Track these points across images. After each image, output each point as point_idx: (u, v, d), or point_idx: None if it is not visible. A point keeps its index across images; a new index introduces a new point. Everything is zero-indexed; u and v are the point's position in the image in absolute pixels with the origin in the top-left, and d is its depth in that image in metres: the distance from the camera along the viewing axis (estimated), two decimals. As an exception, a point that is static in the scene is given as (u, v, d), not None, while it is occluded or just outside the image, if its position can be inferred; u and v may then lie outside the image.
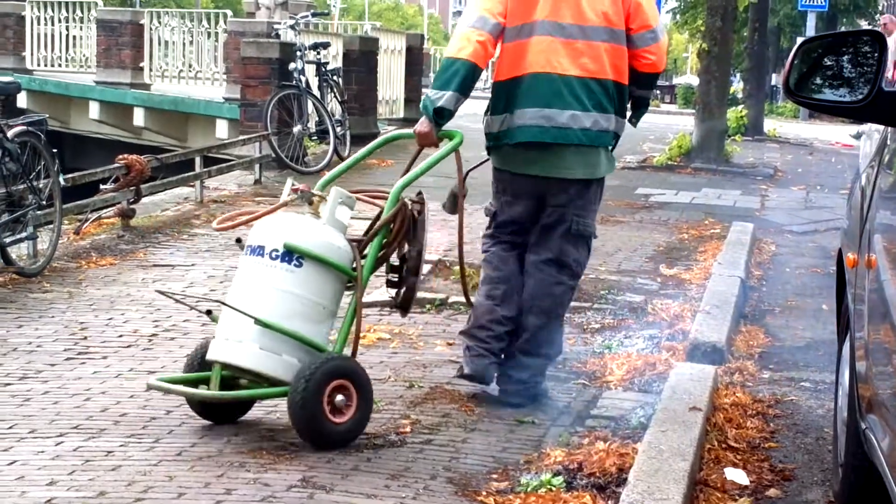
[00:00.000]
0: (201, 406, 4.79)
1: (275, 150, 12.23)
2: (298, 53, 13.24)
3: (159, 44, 20.54)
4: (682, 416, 4.77)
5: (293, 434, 4.66)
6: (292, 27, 14.14)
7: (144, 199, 9.58)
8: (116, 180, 9.12)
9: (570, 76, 5.09)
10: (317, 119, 13.33)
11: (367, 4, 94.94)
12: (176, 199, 10.56)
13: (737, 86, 24.49)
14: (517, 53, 5.14)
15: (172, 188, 10.57)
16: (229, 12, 21.48)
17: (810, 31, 28.62)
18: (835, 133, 20.25)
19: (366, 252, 4.83)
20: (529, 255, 5.35)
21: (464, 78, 5.00)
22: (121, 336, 6.29)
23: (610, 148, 5.31)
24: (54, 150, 7.98)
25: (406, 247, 4.92)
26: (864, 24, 42.08)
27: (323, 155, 13.11)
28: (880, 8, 42.90)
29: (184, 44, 20.48)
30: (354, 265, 4.74)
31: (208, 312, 4.90)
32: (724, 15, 15.30)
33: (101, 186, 9.18)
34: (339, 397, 4.52)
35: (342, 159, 13.33)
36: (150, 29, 20.36)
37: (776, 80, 33.79)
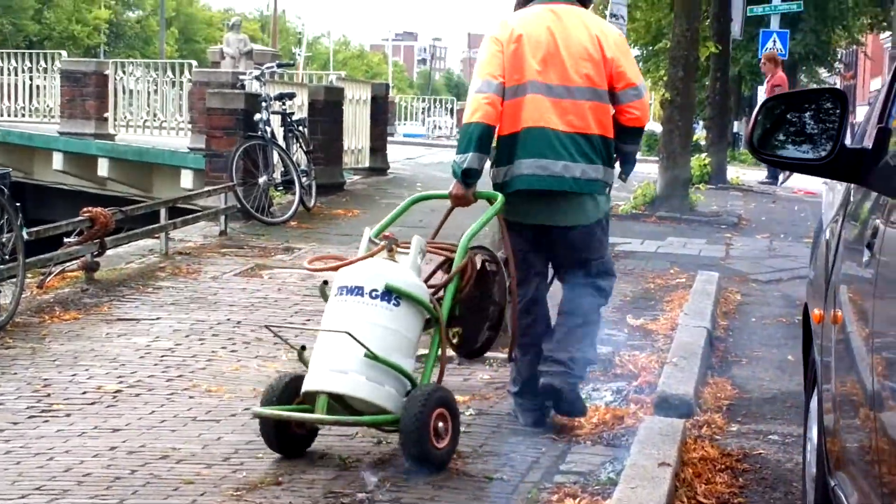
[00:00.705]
0: (278, 440, 5.12)
1: (240, 201, 12.21)
2: (264, 104, 13.25)
3: (124, 94, 20.52)
4: (651, 471, 4.75)
5: (260, 494, 4.61)
6: (258, 78, 14.16)
7: (109, 252, 9.53)
8: (80, 233, 9.07)
9: (559, 131, 5.58)
10: (282, 169, 13.32)
11: (331, 53, 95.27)
12: (141, 252, 10.50)
13: (699, 134, 24.65)
14: (514, 110, 5.60)
15: (137, 240, 10.51)
16: (194, 62, 21.50)
17: (771, 79, 28.89)
18: (797, 181, 20.39)
19: (440, 294, 5.35)
20: (563, 284, 5.88)
21: (479, 138, 5.51)
22: (84, 392, 6.22)
23: (602, 193, 5.74)
24: (17, 204, 7.93)
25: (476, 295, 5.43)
26: (823, 73, 42.56)
27: (289, 205, 13.10)
28: (839, 57, 43.45)
29: (148, 93, 20.47)
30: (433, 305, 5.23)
31: (302, 348, 5.30)
32: (685, 65, 15.41)
33: (65, 240, 9.12)
34: (440, 424, 4.96)
35: (308, 210, 13.35)
36: (115, 79, 20.34)
37: (738, 127, 34.07)
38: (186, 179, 17.39)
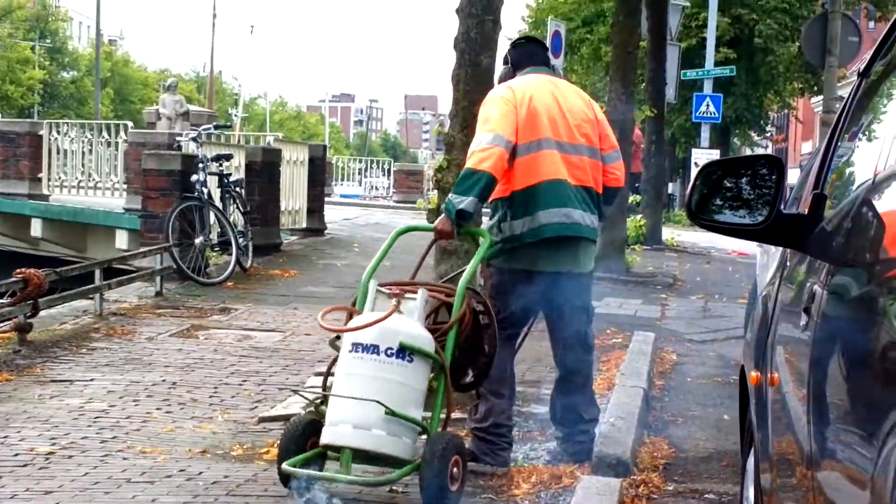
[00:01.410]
0: (281, 476, 5.40)
1: (176, 262, 12.15)
2: (200, 165, 13.21)
3: (58, 154, 20.39)
4: (589, 531, 4.76)
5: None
6: (194, 139, 14.13)
7: (42, 313, 9.42)
8: (13, 294, 8.97)
9: (570, 183, 6.06)
10: (219, 230, 13.27)
11: (268, 114, 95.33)
12: (75, 313, 10.39)
13: (634, 196, 24.93)
14: (531, 165, 6.01)
15: (71, 301, 10.39)
16: (130, 123, 21.45)
17: (704, 142, 29.28)
18: (730, 242, 20.64)
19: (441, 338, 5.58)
20: (556, 339, 6.38)
21: (484, 187, 5.87)
22: (16, 454, 6.13)
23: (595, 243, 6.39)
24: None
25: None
26: (754, 136, 43.25)
27: (225, 266, 13.04)
28: (771, 120, 44.20)
29: (83, 154, 20.35)
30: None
31: (324, 400, 5.54)
32: (622, 129, 15.61)
33: (-2, 300, 9.01)
34: (455, 469, 5.31)
35: (245, 270, 13.30)
36: (49, 139, 20.23)
37: (672, 189, 34.47)
38: (121, 240, 17.27)
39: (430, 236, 6.19)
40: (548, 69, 6.44)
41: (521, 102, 6.03)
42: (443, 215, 5.96)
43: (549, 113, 6.08)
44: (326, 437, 5.38)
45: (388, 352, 5.34)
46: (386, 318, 5.37)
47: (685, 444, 7.03)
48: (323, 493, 5.30)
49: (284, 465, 5.35)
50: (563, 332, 6.32)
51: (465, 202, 5.83)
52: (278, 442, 5.66)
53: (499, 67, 7.01)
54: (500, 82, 6.46)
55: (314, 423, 5.52)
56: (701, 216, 3.14)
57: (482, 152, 5.88)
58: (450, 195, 5.98)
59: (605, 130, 6.28)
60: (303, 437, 5.48)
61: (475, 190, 5.84)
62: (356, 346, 5.39)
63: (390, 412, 5.22)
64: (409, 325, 5.45)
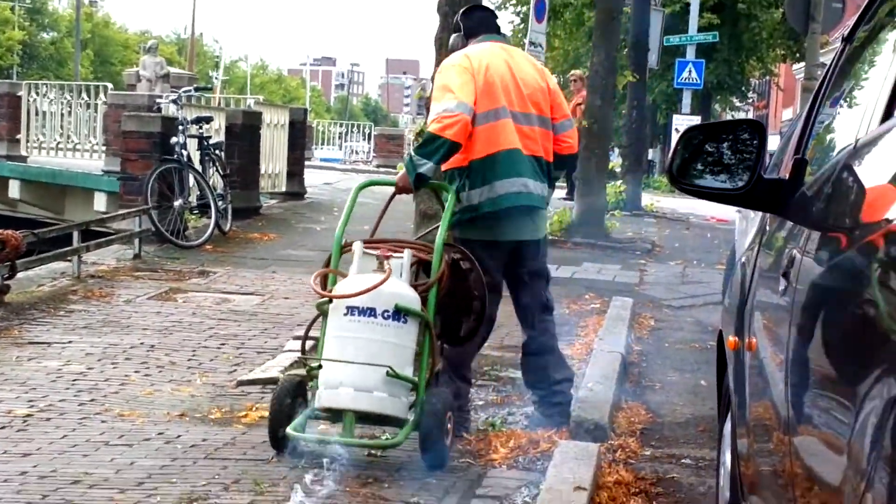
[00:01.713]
0: (274, 439, 5.54)
1: (155, 225, 12.10)
2: (180, 127, 13.14)
3: (37, 115, 20.25)
4: (566, 495, 4.77)
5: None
6: (174, 101, 14.05)
7: (20, 275, 9.37)
8: (-9, 255, 8.92)
9: (524, 153, 6.10)
10: (198, 193, 13.22)
11: (249, 77, 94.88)
12: (52, 275, 10.35)
13: (615, 161, 24.92)
14: (489, 134, 6.01)
15: (49, 263, 10.35)
16: (110, 85, 21.28)
17: (686, 108, 29.30)
18: (709, 208, 20.69)
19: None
20: (520, 305, 6.38)
21: (445, 154, 5.89)
22: (-6, 417, 6.12)
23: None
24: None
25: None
26: (736, 102, 43.26)
27: (204, 229, 13.00)
28: (752, 87, 44.19)
29: (62, 115, 20.22)
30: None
31: (319, 367, 5.55)
32: (603, 93, 15.60)
33: (-25, 262, 8.96)
34: (448, 424, 5.55)
35: (224, 234, 13.26)
36: (28, 101, 20.08)
37: (653, 155, 34.49)
38: (100, 202, 17.19)
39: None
40: (500, 37, 6.44)
41: (478, 71, 6.02)
42: (403, 171, 5.99)
43: (504, 82, 6.09)
44: (326, 401, 5.47)
45: (385, 314, 5.46)
46: (384, 282, 5.45)
47: (662, 409, 7.05)
48: (326, 458, 5.33)
49: (290, 431, 5.43)
50: (526, 297, 6.35)
51: (426, 167, 5.85)
52: (269, 406, 5.65)
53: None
54: (451, 51, 6.40)
55: (302, 386, 5.66)
56: (682, 181, 3.13)
57: (448, 118, 5.87)
58: (412, 153, 5.99)
59: (558, 99, 6.30)
60: (294, 401, 5.58)
61: (437, 156, 5.87)
62: (352, 310, 5.47)
63: (393, 374, 5.38)
64: (402, 286, 5.56)
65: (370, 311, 5.47)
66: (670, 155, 3.16)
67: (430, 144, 5.88)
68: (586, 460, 5.31)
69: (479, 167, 6.02)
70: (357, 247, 5.73)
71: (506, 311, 9.64)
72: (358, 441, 5.46)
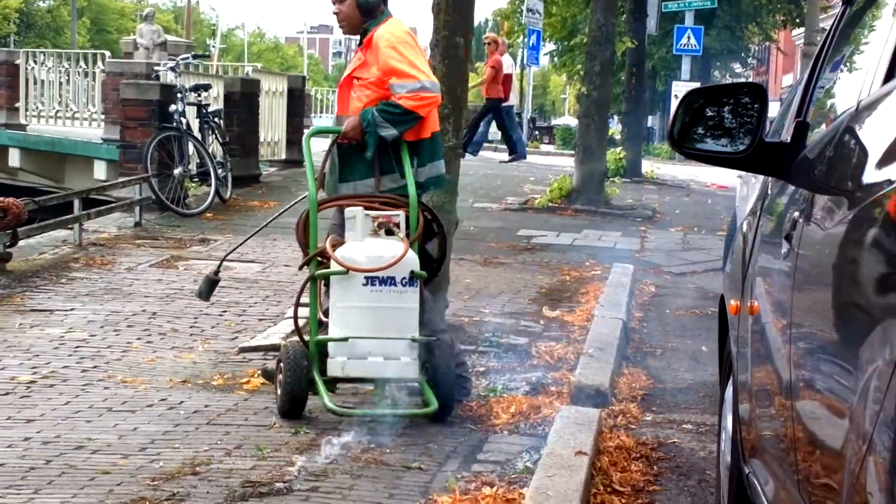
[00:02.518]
0: (294, 406, 5.58)
1: (155, 193, 12.09)
2: (179, 95, 13.11)
3: (35, 84, 20.19)
4: (567, 460, 4.79)
5: (177, 483, 4.60)
6: (173, 69, 14.01)
7: (21, 243, 9.38)
8: (-8, 223, 8.92)
9: None
10: (198, 161, 13.20)
11: (246, 45, 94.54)
12: (54, 243, 10.36)
13: (614, 128, 24.89)
14: (433, 114, 6.15)
15: (50, 231, 10.35)
16: (107, 53, 21.22)
17: (685, 74, 29.22)
18: (710, 174, 20.67)
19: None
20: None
21: (409, 127, 5.95)
22: (-3, 384, 6.14)
23: None
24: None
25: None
26: (736, 68, 43.14)
27: (204, 197, 12.99)
28: (752, 52, 44.03)
29: (60, 84, 20.16)
30: None
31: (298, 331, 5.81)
32: (602, 60, 15.54)
33: (-24, 230, 8.97)
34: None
35: (224, 201, 13.25)
36: (26, 69, 20.02)
37: (652, 122, 34.41)
38: (100, 170, 17.16)
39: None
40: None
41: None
42: (356, 120, 5.94)
43: None
44: (353, 371, 5.60)
45: (403, 281, 5.61)
46: (405, 253, 5.60)
47: (664, 375, 7.08)
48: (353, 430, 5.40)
49: (332, 405, 5.46)
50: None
51: (390, 133, 5.90)
52: (283, 373, 5.60)
53: (487, 3, 7.02)
54: (371, 6, 6.19)
55: (304, 356, 5.67)
56: (683, 144, 3.13)
57: (428, 97, 5.94)
58: (377, 113, 5.91)
59: None
60: (307, 369, 5.62)
61: (403, 127, 5.94)
62: (372, 280, 5.58)
63: (416, 340, 5.61)
64: (411, 253, 5.69)
65: (391, 281, 5.60)
66: (671, 119, 3.16)
67: (402, 116, 5.92)
68: (587, 425, 5.33)
69: (428, 146, 6.11)
70: (359, 212, 5.73)
71: (506, 278, 9.70)
72: (405, 412, 5.53)
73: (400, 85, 5.96)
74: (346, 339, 5.58)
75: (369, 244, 5.65)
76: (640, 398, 6.47)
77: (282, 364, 5.64)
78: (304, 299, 5.92)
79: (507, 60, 21.19)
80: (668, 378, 7.01)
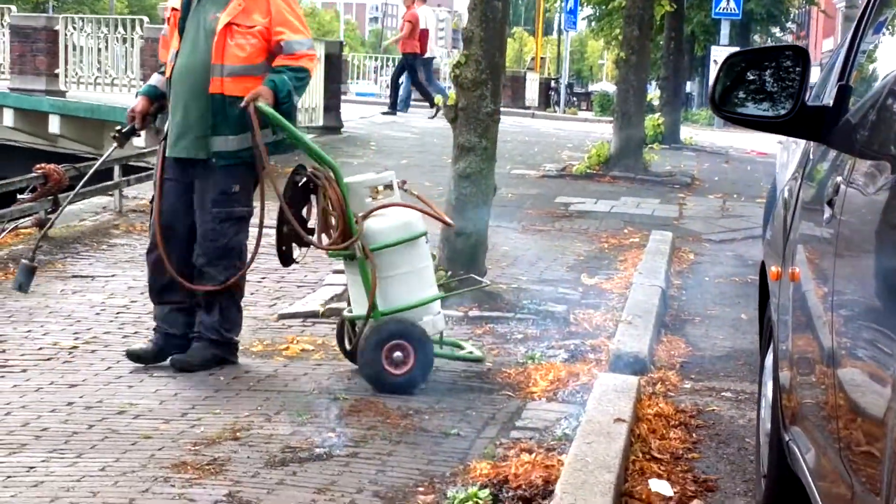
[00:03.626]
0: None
1: (192, 157, 12.10)
2: (217, 62, 13.11)
3: (74, 50, 20.26)
4: (606, 427, 4.79)
5: (217, 448, 4.64)
6: (211, 35, 14.01)
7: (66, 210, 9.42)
8: (34, 190, 8.98)
9: None
10: (236, 127, 13.19)
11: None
12: (94, 209, 10.42)
13: (652, 94, 24.71)
14: None
15: (91, 197, 10.41)
16: (146, 18, 21.25)
17: (724, 39, 28.97)
18: (749, 141, 20.53)
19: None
20: None
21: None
22: (40, 349, 6.19)
23: None
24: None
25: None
26: (776, 32, 42.73)
27: (242, 163, 13.00)
28: (792, 16, 43.61)
29: (98, 50, 20.21)
30: None
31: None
32: (640, 24, 15.42)
33: (19, 196, 9.03)
34: None
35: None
36: (66, 35, 20.08)
37: (690, 87, 34.15)
38: (139, 137, 17.20)
39: None
40: None
41: None
42: (267, 91, 5.67)
43: None
44: (440, 326, 5.88)
45: (424, 239, 5.83)
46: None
47: (702, 342, 7.05)
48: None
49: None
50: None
51: (293, 100, 5.80)
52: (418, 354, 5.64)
53: None
54: None
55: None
56: (724, 108, 3.11)
57: (314, 56, 5.96)
58: (288, 79, 5.71)
59: None
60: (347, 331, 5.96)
61: (301, 92, 5.93)
62: (425, 238, 5.82)
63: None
64: None
65: (426, 237, 5.85)
66: (712, 82, 3.14)
67: (305, 79, 5.85)
68: (626, 393, 5.33)
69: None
70: (357, 184, 5.78)
71: (543, 245, 9.68)
72: (482, 354, 6.08)
73: (298, 42, 5.79)
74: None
75: (404, 207, 5.77)
76: (679, 366, 6.45)
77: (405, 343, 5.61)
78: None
79: (423, 13, 21.01)
80: (707, 346, 6.99)
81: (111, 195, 10.55)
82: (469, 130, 7.66)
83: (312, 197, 5.87)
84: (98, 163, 7.03)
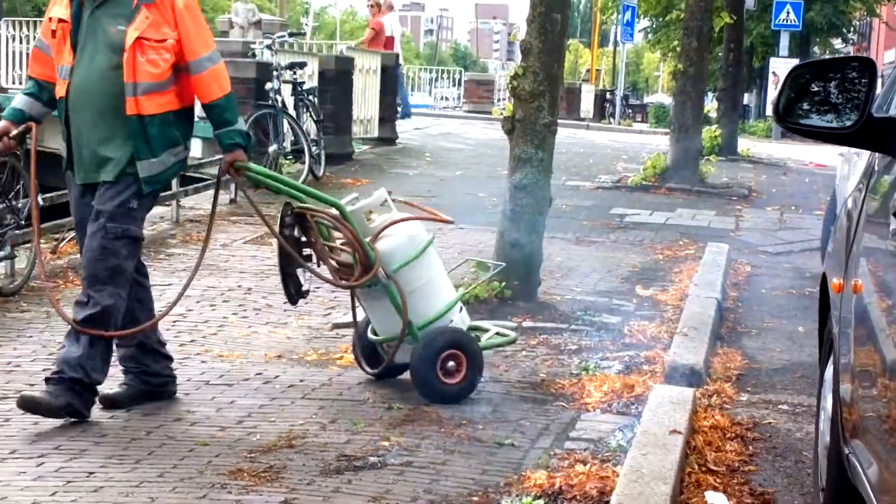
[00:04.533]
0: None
1: (250, 170, 12.15)
2: (275, 73, 13.21)
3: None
4: (661, 439, 4.77)
5: (273, 456, 4.66)
6: (269, 47, 14.10)
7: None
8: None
9: None
10: (292, 138, 13.29)
11: (338, 23, 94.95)
12: (152, 219, 10.47)
13: (709, 105, 24.56)
14: None
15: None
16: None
17: (783, 51, 28.76)
18: (808, 153, 20.36)
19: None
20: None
21: None
22: (99, 356, 6.24)
23: None
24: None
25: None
26: (837, 44, 42.36)
27: (298, 174, 13.05)
28: (853, 28, 43.20)
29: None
30: None
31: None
32: (699, 36, 15.36)
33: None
34: None
35: (317, 179, 13.32)
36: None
37: (748, 99, 33.91)
38: (196, 148, 17.26)
39: None
40: None
41: None
42: (235, 151, 5.42)
43: None
44: (463, 326, 5.83)
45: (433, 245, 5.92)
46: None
47: (759, 355, 6.99)
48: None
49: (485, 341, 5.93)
50: None
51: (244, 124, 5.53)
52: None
53: None
54: None
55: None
56: (788, 120, 3.09)
57: (225, 70, 5.36)
58: (229, 126, 5.38)
59: None
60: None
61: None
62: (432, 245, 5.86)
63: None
64: None
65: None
66: (776, 94, 3.12)
67: (234, 104, 5.43)
68: (682, 404, 5.30)
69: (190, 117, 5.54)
70: (358, 208, 5.73)
71: (598, 256, 9.66)
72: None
73: (208, 59, 5.25)
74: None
75: (403, 223, 5.75)
76: (735, 378, 6.40)
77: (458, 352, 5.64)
78: None
79: (389, 20, 20.88)
80: (764, 358, 6.93)
81: (168, 205, 10.64)
82: (526, 142, 7.67)
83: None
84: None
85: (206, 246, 5.82)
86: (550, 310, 7.53)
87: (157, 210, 10.62)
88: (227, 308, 7.49)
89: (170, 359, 5.63)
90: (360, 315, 6.02)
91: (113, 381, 5.41)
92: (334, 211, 5.64)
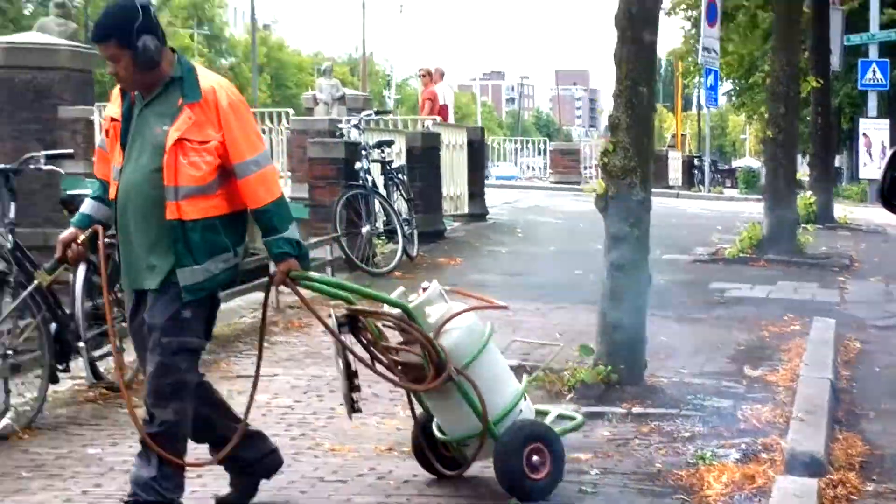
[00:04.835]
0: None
1: (345, 252, 12.16)
2: (364, 152, 13.20)
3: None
4: (792, 536, 4.63)
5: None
6: (356, 126, 14.11)
7: (221, 306, 9.54)
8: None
9: None
10: (384, 218, 13.28)
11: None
12: (252, 306, 10.52)
13: (801, 170, 24.27)
14: None
15: (247, 294, 10.52)
16: (291, 111, 21.65)
17: (872, 111, 28.44)
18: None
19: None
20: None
21: None
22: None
23: None
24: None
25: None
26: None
27: (391, 255, 13.05)
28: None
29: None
30: None
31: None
32: (786, 101, 15.23)
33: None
34: None
35: (412, 259, 13.28)
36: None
37: (839, 162, 33.49)
38: (292, 230, 17.44)
39: None
40: None
41: None
42: (287, 260, 5.35)
43: None
44: (531, 416, 5.67)
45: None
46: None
47: (881, 439, 6.78)
48: None
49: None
50: None
51: (297, 233, 5.32)
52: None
53: (660, 43, 6.68)
54: (153, 59, 5.03)
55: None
56: (894, 202, 3.00)
57: (275, 171, 5.29)
58: (278, 234, 5.28)
59: None
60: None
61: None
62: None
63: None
64: None
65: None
66: (881, 176, 3.05)
67: (286, 208, 5.28)
68: (807, 497, 5.16)
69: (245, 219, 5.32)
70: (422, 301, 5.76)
71: (701, 335, 9.50)
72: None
73: (255, 162, 5.05)
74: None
75: (462, 314, 5.60)
76: (859, 466, 6.21)
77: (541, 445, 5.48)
78: None
79: (441, 90, 20.81)
80: (887, 443, 6.72)
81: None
82: (620, 220, 7.59)
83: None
84: None
85: (259, 356, 5.83)
86: (659, 394, 7.41)
87: (255, 296, 10.67)
88: (333, 398, 7.45)
89: (260, 436, 5.53)
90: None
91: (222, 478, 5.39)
92: (396, 311, 5.49)
